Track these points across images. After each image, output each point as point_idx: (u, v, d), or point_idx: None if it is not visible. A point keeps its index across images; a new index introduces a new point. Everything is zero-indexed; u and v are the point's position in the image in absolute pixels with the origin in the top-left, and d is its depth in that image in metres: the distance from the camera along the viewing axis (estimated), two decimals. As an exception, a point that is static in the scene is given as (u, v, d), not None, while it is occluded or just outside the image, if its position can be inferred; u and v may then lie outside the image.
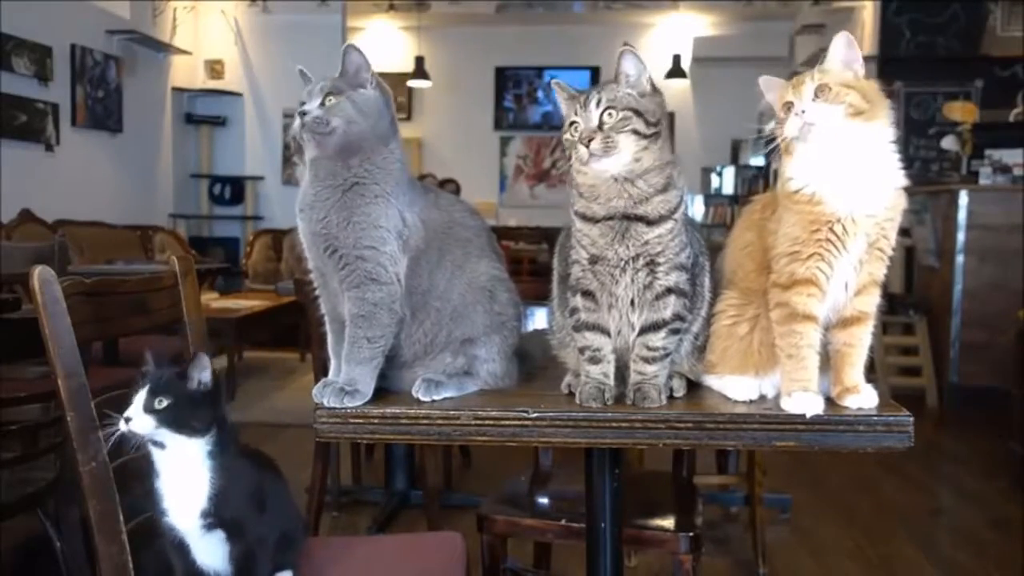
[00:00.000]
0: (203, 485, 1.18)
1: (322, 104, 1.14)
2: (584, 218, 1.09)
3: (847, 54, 1.06)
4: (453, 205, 1.23)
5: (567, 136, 1.08)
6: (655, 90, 1.09)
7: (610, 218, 1.07)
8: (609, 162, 1.05)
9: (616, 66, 1.08)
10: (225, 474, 1.19)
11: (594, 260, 1.09)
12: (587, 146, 1.05)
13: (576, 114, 1.08)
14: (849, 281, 1.07)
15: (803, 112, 1.03)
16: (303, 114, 1.14)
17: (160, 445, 1.17)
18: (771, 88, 1.12)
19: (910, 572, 2.77)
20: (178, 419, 1.16)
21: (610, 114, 1.05)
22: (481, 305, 1.18)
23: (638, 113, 1.06)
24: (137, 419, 1.14)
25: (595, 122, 1.06)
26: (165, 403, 1.15)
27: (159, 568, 1.25)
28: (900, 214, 1.07)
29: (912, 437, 1.02)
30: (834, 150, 1.04)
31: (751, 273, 1.13)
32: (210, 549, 1.21)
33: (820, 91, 1.04)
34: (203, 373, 1.20)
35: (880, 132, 1.05)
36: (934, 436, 4.56)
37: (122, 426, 1.15)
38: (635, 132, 1.05)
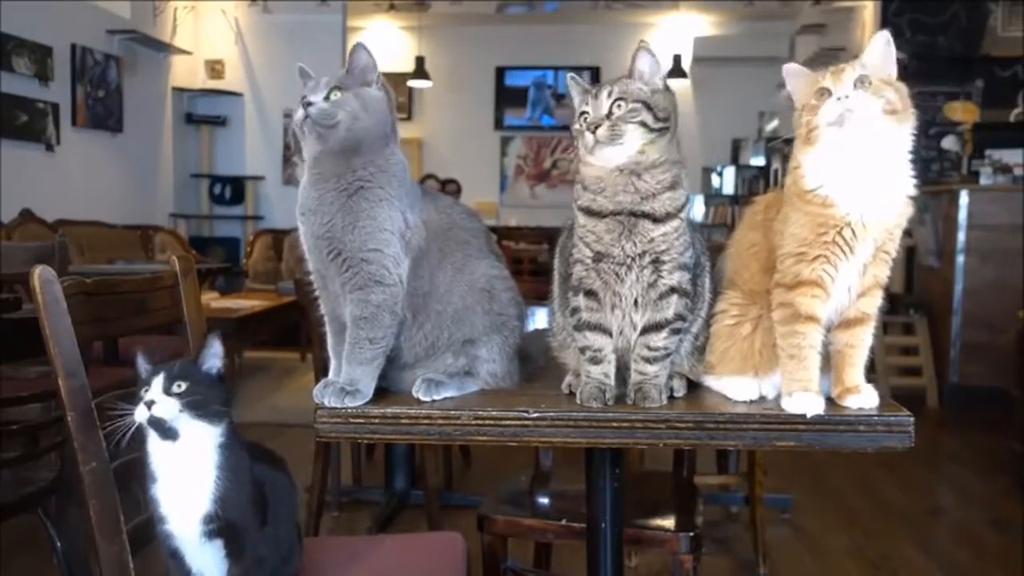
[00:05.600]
0: (208, 484, 1.12)
1: (327, 98, 1.14)
2: (590, 213, 1.09)
3: (885, 53, 1.04)
4: (452, 207, 1.23)
5: (576, 126, 1.09)
6: (667, 89, 1.09)
7: (617, 214, 1.07)
8: (614, 151, 1.05)
9: (631, 62, 1.08)
10: (232, 472, 1.14)
11: (598, 258, 1.09)
12: (593, 133, 1.05)
13: (587, 105, 1.08)
14: (853, 284, 1.07)
15: (846, 97, 1.01)
16: (307, 105, 1.13)
17: (173, 435, 1.11)
18: (796, 76, 1.08)
19: (910, 572, 2.76)
20: (198, 401, 1.11)
21: (619, 105, 1.06)
22: (481, 306, 1.18)
23: (648, 107, 1.06)
24: (161, 403, 1.09)
25: (604, 111, 1.06)
26: (184, 386, 1.11)
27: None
28: (906, 220, 1.06)
29: (913, 437, 1.02)
30: (861, 146, 1.02)
31: (756, 274, 1.12)
32: (209, 563, 1.16)
33: (861, 81, 1.02)
34: (214, 358, 1.17)
35: (905, 136, 1.04)
36: (934, 436, 4.56)
37: (139, 415, 1.09)
38: (643, 124, 1.05)
